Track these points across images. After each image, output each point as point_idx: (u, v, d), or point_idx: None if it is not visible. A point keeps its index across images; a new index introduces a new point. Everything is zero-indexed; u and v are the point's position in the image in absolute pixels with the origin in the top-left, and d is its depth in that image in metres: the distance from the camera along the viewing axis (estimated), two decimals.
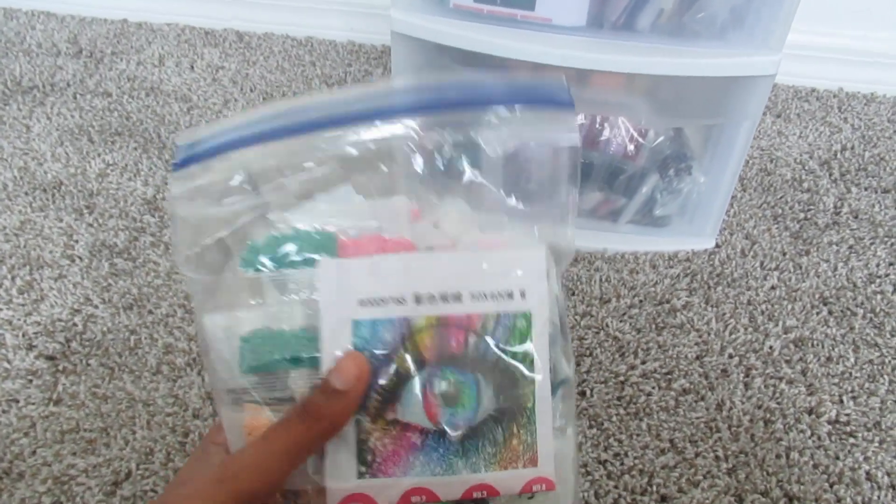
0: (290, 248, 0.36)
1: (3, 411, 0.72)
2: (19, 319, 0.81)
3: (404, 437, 0.35)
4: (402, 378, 0.35)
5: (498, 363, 0.35)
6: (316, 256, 0.36)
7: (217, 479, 0.33)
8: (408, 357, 0.35)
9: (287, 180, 0.37)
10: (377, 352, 0.34)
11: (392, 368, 0.35)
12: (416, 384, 0.35)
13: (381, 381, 0.34)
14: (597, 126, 0.88)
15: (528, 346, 0.35)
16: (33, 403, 0.72)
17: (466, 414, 0.35)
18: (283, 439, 0.33)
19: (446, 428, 0.35)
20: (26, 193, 0.99)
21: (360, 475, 0.34)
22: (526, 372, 0.35)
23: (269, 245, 0.36)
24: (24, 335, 0.79)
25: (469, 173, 0.38)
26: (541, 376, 0.36)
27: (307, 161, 0.36)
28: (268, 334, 0.35)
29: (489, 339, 0.35)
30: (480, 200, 0.38)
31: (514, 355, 0.35)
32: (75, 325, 0.80)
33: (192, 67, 1.31)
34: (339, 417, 0.34)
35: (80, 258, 0.89)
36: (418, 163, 0.37)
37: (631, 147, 0.89)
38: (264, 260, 0.36)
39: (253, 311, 0.36)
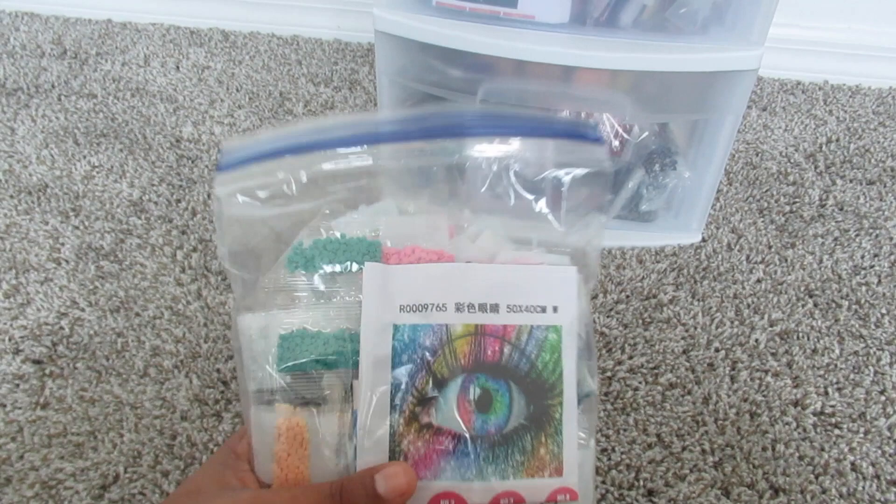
0: (335, 251, 0.38)
1: None
2: (5, 324, 0.80)
3: (437, 441, 0.36)
4: (439, 383, 0.36)
5: (530, 373, 0.37)
6: (359, 262, 0.37)
7: None
8: (446, 363, 0.36)
9: (334, 188, 0.38)
10: (415, 356, 0.36)
11: (430, 373, 0.36)
12: (452, 390, 0.36)
13: (418, 385, 0.36)
14: None
15: (558, 359, 0.37)
16: (20, 408, 0.72)
17: (498, 421, 0.36)
18: None
19: (478, 433, 0.36)
20: (11, 196, 0.98)
21: None
22: (555, 383, 0.37)
23: (315, 248, 0.38)
24: (10, 339, 0.79)
25: (509, 194, 0.40)
26: (569, 388, 0.37)
27: (355, 171, 0.38)
28: (306, 334, 0.37)
29: (522, 350, 0.37)
30: (516, 219, 0.40)
31: (545, 366, 0.37)
32: (62, 328, 0.80)
33: (178, 67, 1.30)
34: None
35: (67, 261, 0.89)
36: (461, 182, 0.39)
37: (616, 143, 0.89)
38: (309, 262, 0.37)
39: (293, 311, 0.37)
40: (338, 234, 0.38)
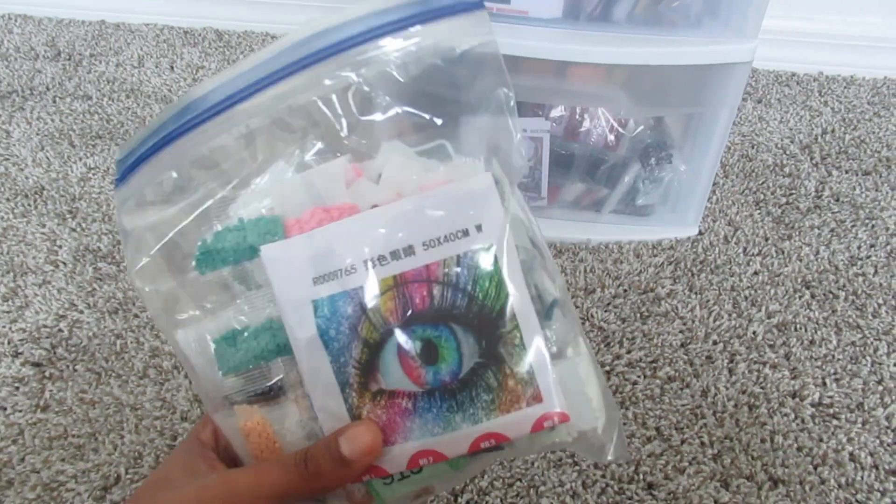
0: (237, 239, 0.34)
1: None
2: (4, 327, 0.80)
3: (394, 404, 0.33)
4: (374, 348, 0.33)
5: (470, 307, 0.33)
6: (264, 243, 0.34)
7: (198, 498, 0.33)
8: (373, 326, 0.33)
9: (222, 166, 0.35)
10: (343, 328, 0.33)
11: (361, 342, 0.33)
12: (390, 350, 0.33)
13: (355, 356, 0.33)
14: (577, 117, 0.88)
15: (498, 280, 0.33)
16: (20, 410, 0.72)
17: (451, 367, 0.33)
18: (276, 481, 0.33)
19: (433, 386, 0.33)
20: (8, 199, 0.98)
21: None
22: (503, 308, 0.33)
23: (217, 241, 0.35)
24: (9, 342, 0.79)
25: (393, 109, 0.35)
26: (523, 308, 0.33)
27: (227, 142, 0.35)
28: (237, 332, 0.35)
29: (455, 285, 0.33)
30: (414, 132, 0.36)
31: (486, 294, 0.33)
32: (61, 330, 0.80)
33: (172, 68, 1.30)
34: (338, 481, 0.33)
35: (64, 263, 0.89)
36: (337, 115, 0.35)
37: (611, 137, 0.89)
38: (217, 257, 0.35)
39: (219, 313, 0.35)
40: (236, 220, 0.35)
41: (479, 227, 0.33)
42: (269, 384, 0.35)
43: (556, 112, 0.88)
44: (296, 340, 0.34)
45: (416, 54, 0.34)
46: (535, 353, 0.33)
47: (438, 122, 0.35)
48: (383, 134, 0.36)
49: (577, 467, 0.67)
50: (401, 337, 0.33)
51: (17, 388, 0.74)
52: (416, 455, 0.34)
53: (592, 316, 0.82)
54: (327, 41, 0.34)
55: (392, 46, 0.34)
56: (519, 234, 0.34)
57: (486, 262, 0.33)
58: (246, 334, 0.34)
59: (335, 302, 0.33)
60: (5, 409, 0.72)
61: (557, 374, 0.34)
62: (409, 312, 0.33)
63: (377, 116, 0.35)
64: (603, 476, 0.67)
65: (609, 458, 0.35)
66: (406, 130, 0.36)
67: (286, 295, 0.34)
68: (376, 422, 0.33)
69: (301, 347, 0.34)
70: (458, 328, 0.33)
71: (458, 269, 0.33)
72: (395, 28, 0.34)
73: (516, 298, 0.33)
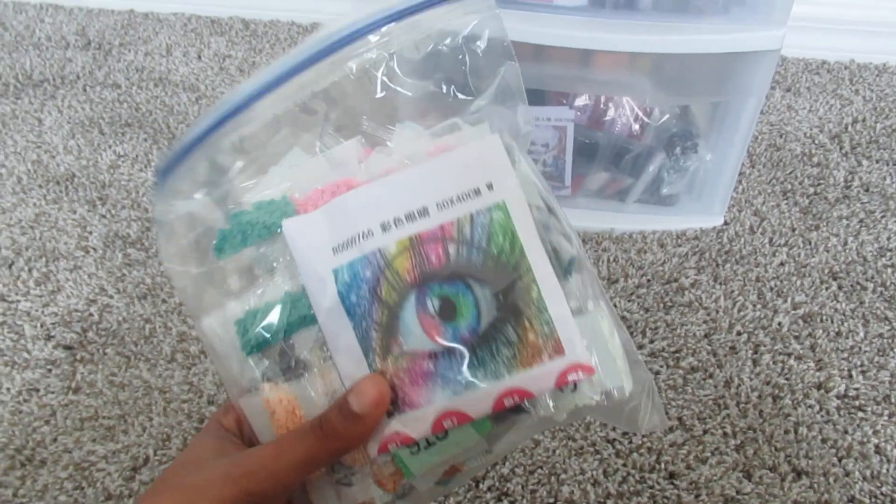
0: (252, 223, 0.36)
1: (24, 400, 0.74)
2: (37, 310, 0.82)
3: (416, 365, 0.34)
4: (393, 309, 0.34)
5: (486, 262, 0.34)
6: (277, 223, 0.35)
7: (227, 475, 0.33)
8: (392, 287, 0.34)
9: (248, 157, 0.37)
10: (363, 292, 0.34)
11: (381, 304, 0.34)
12: (409, 310, 0.34)
13: (376, 319, 0.34)
14: (601, 106, 0.88)
15: (512, 236, 0.34)
16: (53, 392, 0.74)
17: (469, 323, 0.33)
18: (297, 450, 0.33)
19: (453, 344, 0.33)
20: (40, 186, 1.00)
21: (389, 415, 0.34)
22: (519, 262, 0.34)
23: (235, 225, 0.36)
24: (42, 326, 0.81)
25: (406, 87, 0.37)
26: (539, 262, 0.34)
27: (256, 129, 0.37)
28: (258, 311, 0.35)
29: (470, 242, 0.34)
30: (429, 115, 0.37)
31: (501, 250, 0.34)
32: (91, 315, 0.82)
33: (200, 57, 1.31)
34: (354, 439, 0.34)
35: (95, 249, 0.90)
36: (355, 93, 0.36)
37: (636, 126, 0.89)
38: (235, 241, 0.36)
39: (241, 295, 0.36)
40: (251, 205, 0.36)
41: (489, 186, 0.34)
42: (292, 360, 0.35)
43: (581, 101, 0.88)
44: (319, 310, 0.34)
45: (425, 36, 0.36)
46: (554, 305, 0.34)
47: (450, 99, 0.37)
48: (399, 114, 0.37)
49: (598, 455, 0.68)
50: (419, 296, 0.34)
51: (50, 371, 0.76)
52: (440, 417, 0.34)
53: (616, 306, 0.82)
54: (342, 34, 0.36)
55: (401, 32, 0.36)
56: (531, 195, 0.35)
57: (499, 218, 0.34)
58: (267, 311, 0.35)
59: (354, 267, 0.34)
60: (38, 390, 0.74)
61: (579, 328, 0.34)
62: (426, 271, 0.34)
63: (392, 93, 0.36)
64: (624, 465, 0.67)
65: (644, 426, 0.35)
66: (421, 114, 0.37)
67: (308, 266, 0.35)
68: (398, 382, 0.34)
69: (324, 316, 0.34)
70: (474, 283, 0.34)
71: (472, 227, 0.34)
72: (402, 16, 0.36)
73: (531, 252, 0.34)
